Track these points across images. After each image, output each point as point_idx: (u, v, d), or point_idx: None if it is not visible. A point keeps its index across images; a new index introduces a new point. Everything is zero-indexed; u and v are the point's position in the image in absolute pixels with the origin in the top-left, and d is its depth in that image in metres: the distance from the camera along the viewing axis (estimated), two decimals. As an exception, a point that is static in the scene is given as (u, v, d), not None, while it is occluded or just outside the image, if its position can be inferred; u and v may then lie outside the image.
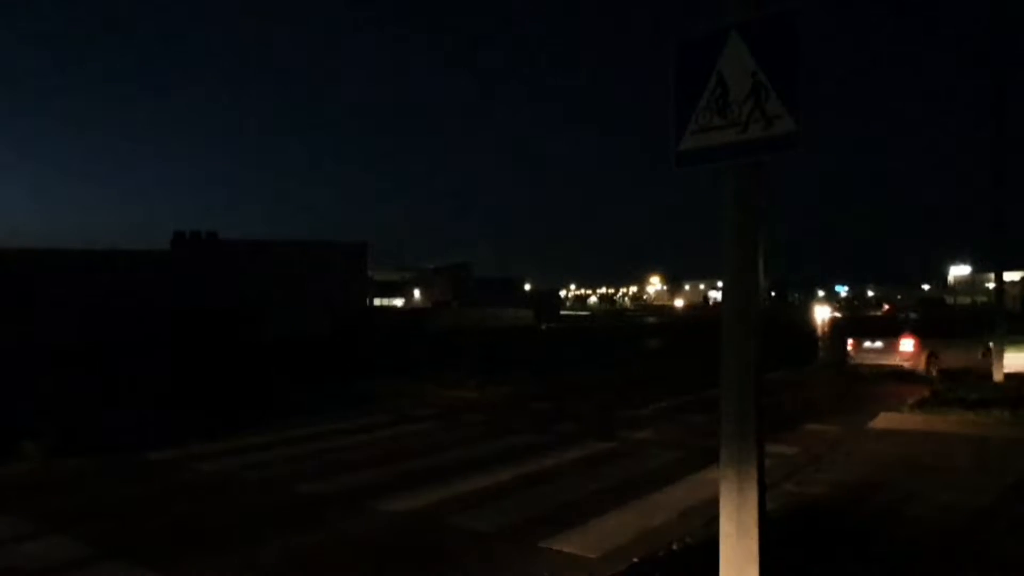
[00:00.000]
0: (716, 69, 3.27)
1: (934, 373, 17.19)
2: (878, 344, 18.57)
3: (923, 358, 17.72)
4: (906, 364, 17.78)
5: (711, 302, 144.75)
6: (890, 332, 18.84)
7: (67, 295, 37.74)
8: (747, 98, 3.18)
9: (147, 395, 16.02)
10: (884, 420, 11.66)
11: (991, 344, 16.71)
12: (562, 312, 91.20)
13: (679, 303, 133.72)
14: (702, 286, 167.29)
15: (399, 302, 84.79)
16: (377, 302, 77.76)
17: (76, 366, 22.23)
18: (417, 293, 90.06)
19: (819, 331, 29.22)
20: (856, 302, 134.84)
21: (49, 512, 7.00)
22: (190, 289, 43.63)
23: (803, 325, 34.12)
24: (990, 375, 15.62)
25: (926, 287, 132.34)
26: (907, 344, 18.02)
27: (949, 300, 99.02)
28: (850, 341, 19.23)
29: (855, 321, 21.54)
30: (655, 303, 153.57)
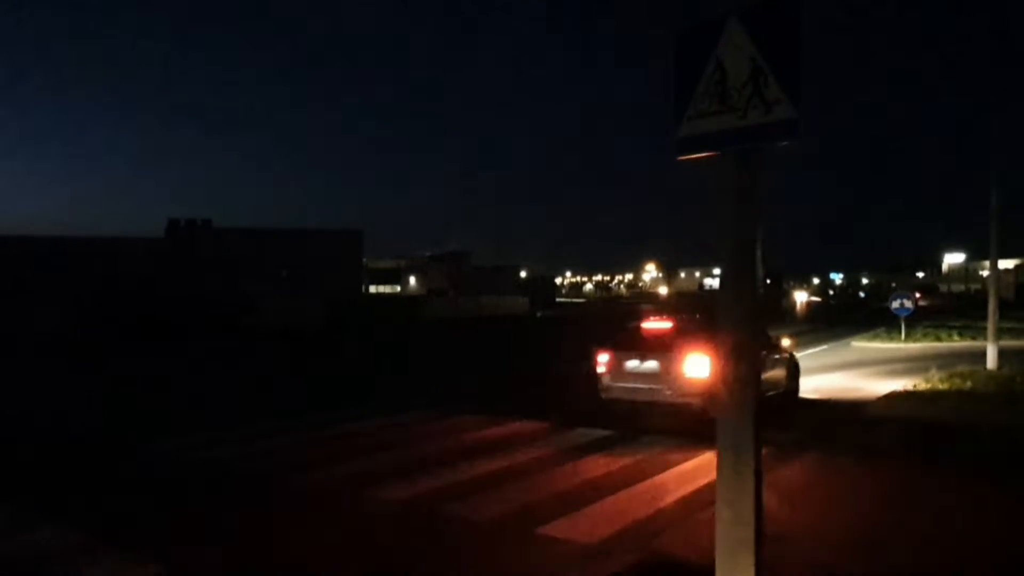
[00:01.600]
0: (715, 54, 3.24)
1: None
2: (649, 364, 10.51)
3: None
4: (695, 401, 9.97)
5: (706, 288, 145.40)
6: (669, 342, 10.63)
7: (61, 283, 37.63)
8: (746, 84, 3.15)
9: (145, 385, 16.00)
10: (873, 409, 11.72)
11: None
12: (557, 299, 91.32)
13: (664, 290, 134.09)
14: (697, 273, 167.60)
15: (389, 289, 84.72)
16: (373, 290, 77.78)
17: (72, 354, 22.20)
18: (413, 281, 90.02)
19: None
20: (850, 289, 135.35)
21: (48, 501, 7.00)
22: (185, 277, 43.54)
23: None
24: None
25: (920, 275, 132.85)
26: (695, 365, 10.10)
27: (943, 288, 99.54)
28: (603, 357, 11.04)
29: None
30: (650, 290, 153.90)
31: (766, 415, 7.94)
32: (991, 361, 15.49)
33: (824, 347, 25.26)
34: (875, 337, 27.54)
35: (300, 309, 39.35)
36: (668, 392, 10.25)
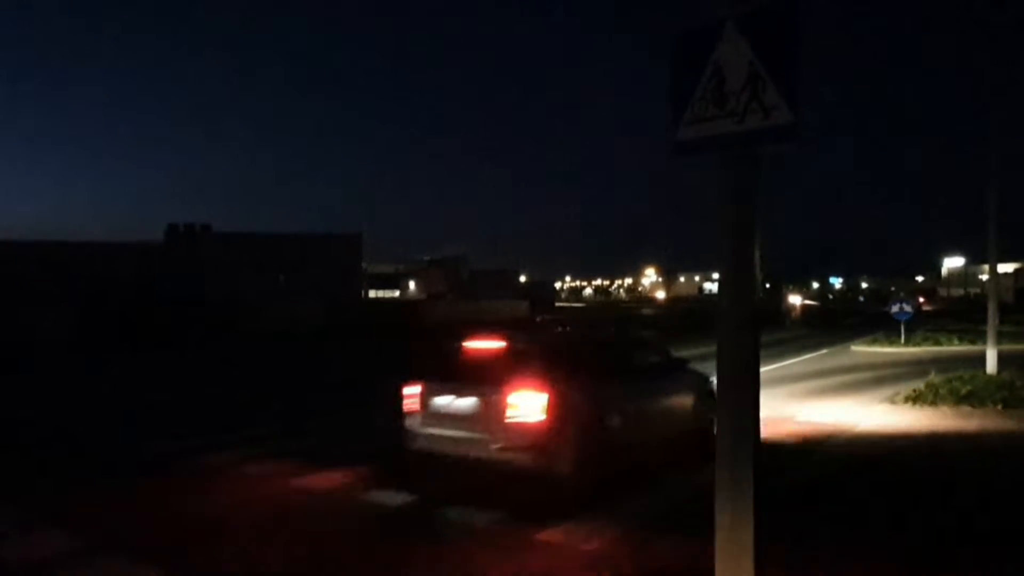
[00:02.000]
0: (713, 58, 3.25)
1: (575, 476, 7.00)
2: (464, 403, 7.36)
3: (569, 439, 6.96)
4: (523, 459, 6.87)
5: (706, 293, 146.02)
6: (494, 371, 7.34)
7: (60, 287, 37.60)
8: (744, 88, 3.15)
9: (146, 388, 15.98)
10: (879, 413, 11.72)
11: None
12: (557, 304, 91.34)
13: (661, 295, 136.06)
14: (697, 278, 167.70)
15: (388, 294, 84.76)
16: (372, 294, 77.82)
17: (69, 359, 22.18)
18: (412, 285, 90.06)
19: None
20: (849, 293, 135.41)
21: (45, 505, 6.98)
22: (184, 281, 43.51)
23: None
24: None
25: (920, 279, 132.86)
26: (525, 404, 6.93)
27: (943, 292, 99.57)
28: (410, 390, 7.79)
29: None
30: (649, 295, 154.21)
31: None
32: (991, 365, 15.46)
33: (824, 351, 25.29)
34: (874, 341, 27.56)
35: (299, 314, 39.34)
36: (491, 444, 6.93)
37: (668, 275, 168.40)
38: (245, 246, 49.71)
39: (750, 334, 3.42)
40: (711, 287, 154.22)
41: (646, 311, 75.07)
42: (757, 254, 3.32)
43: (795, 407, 12.52)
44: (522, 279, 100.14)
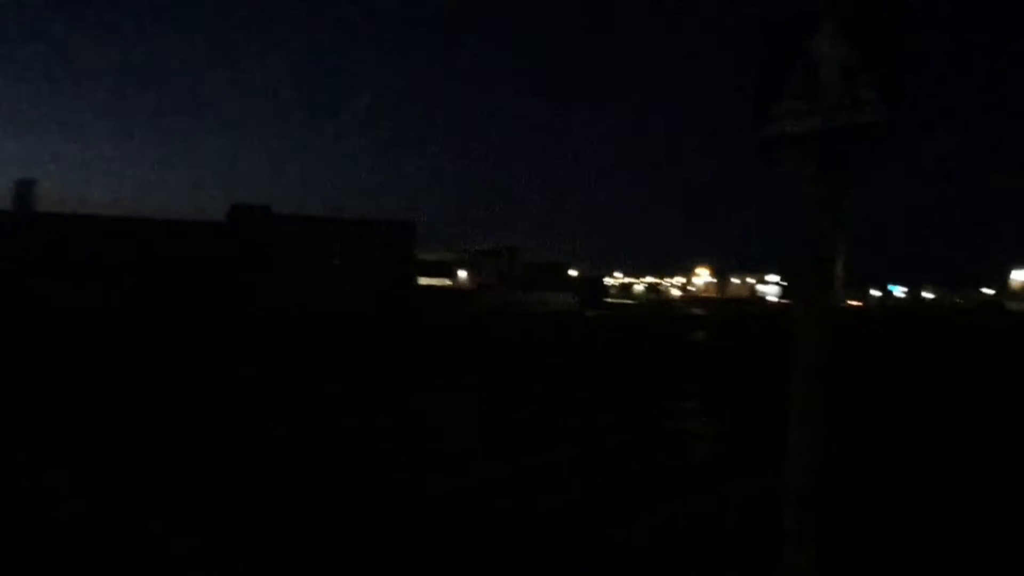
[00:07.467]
0: (804, 50, 3.03)
1: None
2: None
3: None
4: None
5: (758, 295, 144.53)
6: None
7: (124, 263, 38.75)
8: (837, 82, 2.94)
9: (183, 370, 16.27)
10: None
11: None
12: (607, 300, 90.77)
13: (676, 292, 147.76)
14: (751, 280, 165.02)
15: (439, 282, 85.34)
16: (423, 282, 78.46)
17: (115, 337, 22.78)
18: (463, 274, 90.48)
19: None
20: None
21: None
22: (246, 262, 44.41)
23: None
24: None
25: (986, 291, 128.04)
26: None
27: (1012, 306, 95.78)
28: None
29: None
30: (703, 294, 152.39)
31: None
32: None
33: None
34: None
35: (351, 299, 39.86)
36: None
37: (720, 276, 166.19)
38: (302, 229, 50.48)
39: (825, 345, 3.23)
40: (764, 290, 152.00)
41: (696, 310, 74.10)
42: (840, 264, 3.10)
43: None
44: (574, 273, 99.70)
